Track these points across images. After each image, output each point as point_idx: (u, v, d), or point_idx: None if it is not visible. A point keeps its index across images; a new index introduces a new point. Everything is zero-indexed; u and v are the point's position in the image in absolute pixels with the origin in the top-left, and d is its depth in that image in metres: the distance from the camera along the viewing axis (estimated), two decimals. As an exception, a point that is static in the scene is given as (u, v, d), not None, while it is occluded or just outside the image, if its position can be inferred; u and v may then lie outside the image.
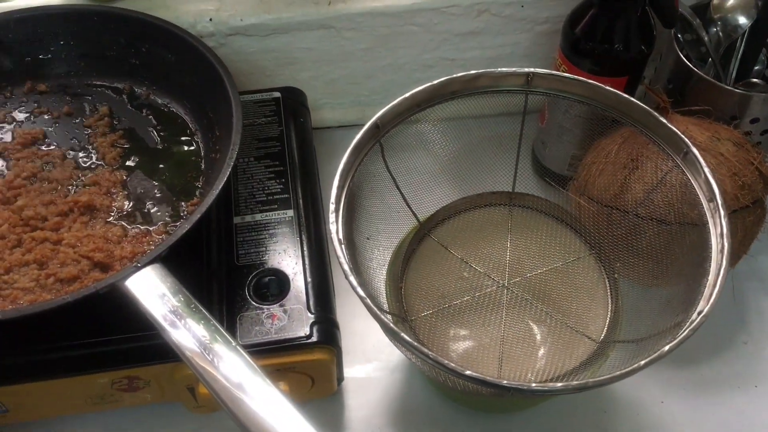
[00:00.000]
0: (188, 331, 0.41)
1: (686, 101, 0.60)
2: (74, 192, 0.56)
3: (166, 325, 0.42)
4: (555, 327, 0.51)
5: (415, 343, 0.39)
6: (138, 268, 0.44)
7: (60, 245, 0.51)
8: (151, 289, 0.43)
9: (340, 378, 0.56)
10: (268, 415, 0.38)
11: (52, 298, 0.48)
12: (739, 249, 0.56)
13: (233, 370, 0.40)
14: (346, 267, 0.42)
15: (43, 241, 0.51)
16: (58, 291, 0.49)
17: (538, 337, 0.51)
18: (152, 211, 0.55)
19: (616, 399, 0.57)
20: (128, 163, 0.59)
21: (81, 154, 0.59)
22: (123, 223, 0.54)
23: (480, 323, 0.52)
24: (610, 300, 0.52)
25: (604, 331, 0.50)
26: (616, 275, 0.53)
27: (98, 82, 0.64)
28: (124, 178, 0.57)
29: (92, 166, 0.58)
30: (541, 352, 0.50)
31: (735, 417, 0.56)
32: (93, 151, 0.59)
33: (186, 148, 0.60)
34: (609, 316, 0.51)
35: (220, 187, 0.49)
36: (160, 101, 0.63)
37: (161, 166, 0.59)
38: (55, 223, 0.52)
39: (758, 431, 0.55)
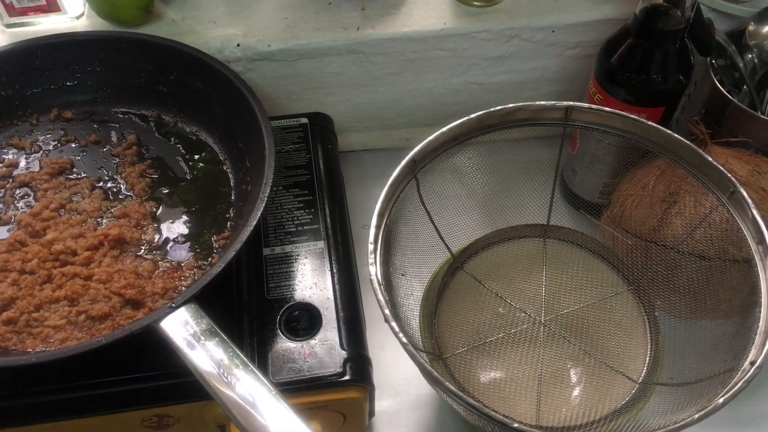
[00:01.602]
0: (233, 385, 0.40)
1: (722, 131, 0.59)
2: (104, 224, 0.55)
3: (201, 368, 0.41)
4: (593, 365, 0.50)
5: (460, 393, 0.38)
6: (173, 309, 0.43)
7: (91, 281, 0.50)
8: (186, 330, 0.42)
9: (372, 413, 0.55)
10: None
11: (83, 336, 0.47)
12: (778, 285, 0.55)
13: (275, 421, 0.39)
14: (387, 311, 0.41)
15: (73, 277, 0.50)
16: (89, 329, 0.48)
17: (576, 376, 0.50)
18: (183, 244, 0.54)
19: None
20: (157, 194, 0.58)
21: (110, 184, 0.58)
22: (154, 256, 0.53)
23: (516, 361, 0.51)
24: (649, 338, 0.51)
25: (644, 371, 0.49)
26: (656, 313, 0.52)
27: (125, 110, 0.63)
28: (154, 210, 0.56)
29: (121, 197, 0.57)
30: (579, 391, 0.49)
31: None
32: (122, 181, 0.58)
33: (216, 178, 0.59)
34: (649, 355, 0.50)
35: (254, 224, 0.48)
36: (188, 129, 0.62)
37: (191, 197, 0.58)
38: (86, 257, 0.51)
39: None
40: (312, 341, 0.51)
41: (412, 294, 0.52)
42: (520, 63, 0.69)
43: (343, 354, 0.50)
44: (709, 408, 0.37)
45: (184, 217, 0.56)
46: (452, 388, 0.38)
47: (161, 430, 0.51)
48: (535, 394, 0.49)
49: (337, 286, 0.54)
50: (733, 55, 0.64)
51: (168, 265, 0.53)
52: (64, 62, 0.62)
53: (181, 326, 0.43)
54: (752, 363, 0.39)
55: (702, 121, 0.61)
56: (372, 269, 0.43)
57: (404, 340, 0.40)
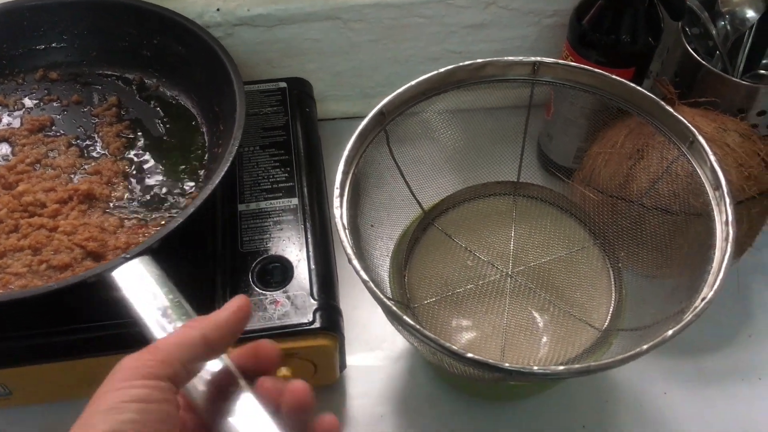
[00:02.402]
0: (168, 327, 0.38)
1: (693, 94, 0.60)
2: (76, 180, 0.56)
3: (146, 319, 0.39)
4: (558, 315, 0.51)
5: (417, 326, 0.39)
6: (126, 260, 0.42)
7: (55, 232, 0.51)
8: (137, 281, 0.41)
9: (343, 366, 0.56)
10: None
11: (41, 284, 0.48)
12: (743, 240, 0.56)
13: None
14: (349, 251, 0.42)
15: (39, 228, 0.51)
16: (49, 277, 0.49)
17: (541, 325, 0.51)
18: (152, 202, 0.56)
19: (619, 389, 0.57)
20: (131, 154, 0.59)
21: (87, 143, 0.59)
22: (121, 213, 0.55)
23: (483, 311, 0.52)
24: (614, 289, 0.52)
25: (608, 319, 0.50)
26: (620, 264, 0.53)
27: (109, 72, 0.65)
28: (126, 169, 0.58)
29: (96, 155, 0.58)
30: (544, 340, 0.50)
31: (738, 408, 0.56)
32: (98, 140, 0.59)
33: (191, 140, 0.60)
34: (612, 305, 0.51)
35: (216, 182, 0.48)
36: (168, 93, 0.63)
37: (164, 158, 0.59)
38: (53, 210, 0.52)
39: (762, 422, 0.55)
40: (283, 291, 0.52)
41: (382, 246, 0.53)
42: (498, 32, 0.70)
43: (314, 304, 0.51)
44: (658, 340, 0.38)
45: (157, 177, 0.57)
46: (410, 321, 0.39)
47: (135, 376, 0.52)
48: (500, 341, 0.50)
49: (309, 240, 0.55)
50: (706, 22, 0.64)
51: (134, 221, 0.54)
52: (51, 24, 0.63)
53: (133, 277, 0.42)
54: (703, 299, 0.40)
55: (674, 85, 0.63)
56: (337, 212, 0.44)
57: (365, 276, 0.41)
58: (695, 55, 0.60)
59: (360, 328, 0.59)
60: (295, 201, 0.57)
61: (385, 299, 0.40)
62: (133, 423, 0.29)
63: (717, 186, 0.44)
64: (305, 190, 0.58)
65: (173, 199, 0.56)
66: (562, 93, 0.62)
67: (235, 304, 0.35)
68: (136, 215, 0.55)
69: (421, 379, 0.57)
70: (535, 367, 0.37)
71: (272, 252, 0.54)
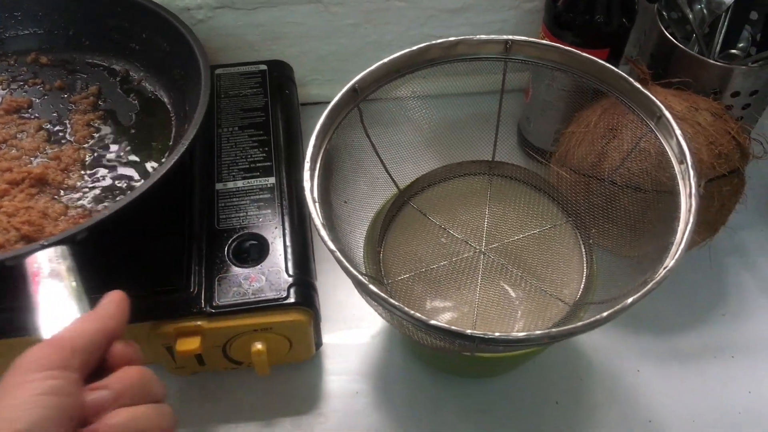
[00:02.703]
0: (65, 320, 0.37)
1: (669, 76, 0.61)
2: (36, 163, 0.56)
3: (44, 308, 0.38)
4: (530, 291, 0.52)
5: (382, 294, 0.39)
6: (43, 247, 0.42)
7: None
8: (47, 270, 0.40)
9: (319, 343, 0.57)
10: None
11: None
12: (716, 219, 0.57)
13: None
14: (317, 221, 0.42)
15: None
16: None
17: (513, 300, 0.52)
18: (103, 194, 0.56)
19: (593, 367, 0.57)
20: (96, 144, 0.59)
21: (57, 128, 0.60)
22: (69, 201, 0.54)
23: (456, 287, 0.52)
24: (585, 265, 0.53)
25: (578, 294, 0.51)
26: (591, 241, 0.53)
27: (98, 62, 0.66)
28: (86, 158, 0.58)
29: (63, 142, 0.59)
30: (516, 315, 0.51)
31: (710, 386, 0.56)
32: (68, 127, 0.60)
33: (159, 136, 0.60)
34: (584, 280, 0.52)
35: (157, 178, 0.47)
36: (149, 88, 0.64)
37: (129, 152, 0.59)
38: (2, 190, 0.53)
39: (733, 399, 0.56)
40: (258, 268, 0.52)
41: (357, 223, 0.53)
42: (478, 16, 0.71)
43: (288, 280, 0.52)
44: (618, 308, 0.38)
45: (115, 170, 0.58)
46: (375, 289, 0.39)
47: (111, 351, 0.52)
48: (472, 316, 0.50)
49: (286, 218, 0.55)
50: (683, 5, 0.65)
51: (79, 210, 0.54)
52: (48, 10, 0.65)
53: (44, 264, 0.41)
54: (665, 268, 0.40)
55: (651, 67, 0.63)
56: (306, 185, 0.45)
57: (332, 246, 0.41)
58: (670, 38, 0.61)
59: (337, 306, 0.60)
60: (272, 180, 0.58)
61: (351, 268, 0.40)
62: (50, 419, 0.29)
63: (682, 160, 0.45)
64: (283, 169, 0.59)
65: (124, 193, 0.56)
66: (540, 76, 0.63)
67: (116, 296, 0.37)
68: (82, 204, 0.55)
69: (397, 357, 0.58)
70: (497, 333, 0.38)
71: (248, 230, 0.55)
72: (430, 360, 0.56)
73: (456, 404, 0.55)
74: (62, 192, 0.55)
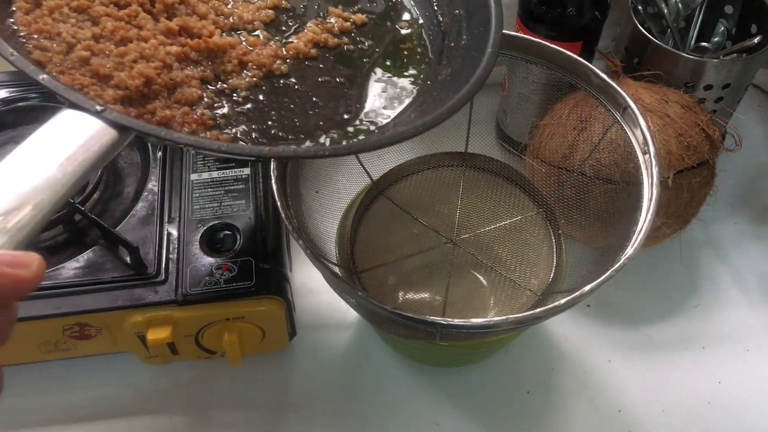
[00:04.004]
0: None
1: (644, 69, 0.61)
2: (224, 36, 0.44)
3: None
4: (499, 281, 0.52)
5: (345, 280, 0.40)
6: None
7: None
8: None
9: (292, 333, 0.57)
10: None
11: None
12: (686, 211, 0.57)
13: None
14: (279, 204, 0.43)
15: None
16: None
17: (483, 290, 0.52)
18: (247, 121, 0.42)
19: (564, 357, 0.58)
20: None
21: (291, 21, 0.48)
22: (215, 100, 0.42)
23: (427, 276, 0.53)
24: (555, 256, 0.53)
25: (547, 284, 0.51)
26: (560, 232, 0.54)
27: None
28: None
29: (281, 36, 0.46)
30: (485, 304, 0.51)
31: (680, 376, 0.57)
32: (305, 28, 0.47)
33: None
34: (553, 270, 0.52)
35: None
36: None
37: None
38: (169, 29, 0.43)
39: (703, 390, 0.56)
40: (231, 258, 0.53)
41: (329, 214, 0.54)
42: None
43: (260, 269, 0.52)
44: (576, 294, 0.39)
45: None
46: (335, 270, 0.40)
47: (84, 339, 0.53)
48: (441, 305, 0.51)
49: (260, 209, 0.56)
50: (658, 0, 0.66)
51: (207, 114, 0.41)
52: None
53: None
54: (625, 256, 0.40)
55: (625, 60, 0.64)
56: (273, 174, 0.45)
57: (289, 225, 0.42)
58: (644, 31, 0.61)
59: (312, 297, 0.61)
60: (247, 171, 0.58)
61: (311, 252, 0.41)
62: None
63: (646, 150, 0.45)
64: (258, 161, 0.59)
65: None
66: (515, 69, 0.63)
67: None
68: (217, 113, 0.41)
69: (371, 348, 0.58)
70: (457, 320, 0.38)
71: (222, 220, 0.55)
72: (403, 350, 0.57)
73: (429, 394, 0.56)
74: (217, 85, 0.43)
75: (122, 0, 0.42)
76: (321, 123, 0.42)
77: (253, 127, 0.41)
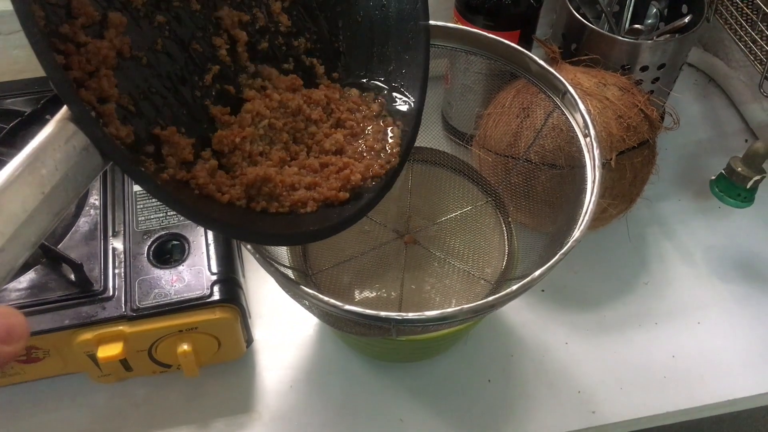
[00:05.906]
0: None
1: (581, 54, 0.62)
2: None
3: None
4: (453, 273, 0.52)
5: (295, 280, 0.39)
6: None
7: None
8: None
9: (249, 339, 0.56)
10: None
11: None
12: (631, 191, 0.58)
13: None
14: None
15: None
16: None
17: (437, 283, 0.52)
18: None
19: (523, 343, 0.58)
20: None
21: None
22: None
23: (381, 274, 0.53)
24: (506, 244, 0.54)
25: (501, 272, 0.52)
26: (510, 219, 0.54)
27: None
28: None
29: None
30: (440, 298, 0.51)
31: (636, 353, 0.58)
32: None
33: None
34: (505, 258, 0.53)
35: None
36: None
37: None
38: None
39: (658, 364, 0.57)
40: (180, 267, 0.52)
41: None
42: (396, 4, 0.71)
43: (211, 277, 0.51)
44: (527, 281, 0.39)
45: None
46: (286, 272, 0.39)
47: (32, 363, 0.51)
48: (397, 301, 0.51)
49: (207, 216, 0.55)
50: (592, -14, 0.67)
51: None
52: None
53: None
54: (572, 239, 0.41)
55: (563, 46, 0.65)
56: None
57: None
58: (579, 17, 0.62)
59: (268, 302, 0.60)
60: (192, 179, 0.57)
61: (258, 255, 0.40)
62: None
63: (587, 133, 0.46)
64: (203, 168, 0.58)
65: None
66: (456, 60, 0.63)
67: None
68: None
69: (330, 348, 0.58)
70: (410, 314, 0.38)
71: (169, 230, 0.54)
72: (363, 349, 0.56)
73: (391, 389, 0.56)
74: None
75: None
76: None
77: None
